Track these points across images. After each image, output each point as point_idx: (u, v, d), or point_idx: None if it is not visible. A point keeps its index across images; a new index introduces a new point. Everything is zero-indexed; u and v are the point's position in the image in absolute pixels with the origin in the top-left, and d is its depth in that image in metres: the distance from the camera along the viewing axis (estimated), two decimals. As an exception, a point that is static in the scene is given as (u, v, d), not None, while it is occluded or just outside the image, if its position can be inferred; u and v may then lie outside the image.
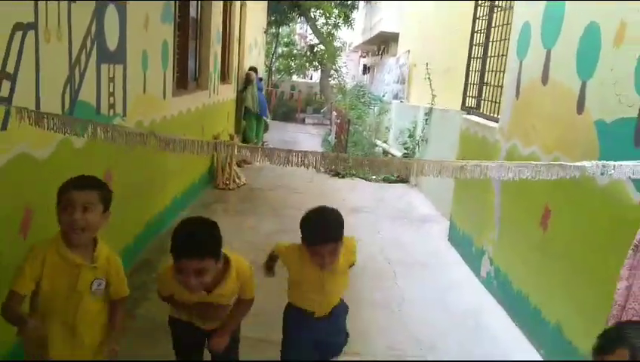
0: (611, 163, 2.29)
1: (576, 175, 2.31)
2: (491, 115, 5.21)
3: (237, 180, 7.73)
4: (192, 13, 6.49)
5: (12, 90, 2.48)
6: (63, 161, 3.04)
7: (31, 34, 2.62)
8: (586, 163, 2.33)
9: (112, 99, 3.75)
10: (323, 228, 2.47)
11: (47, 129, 2.05)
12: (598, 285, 2.84)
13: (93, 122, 2.10)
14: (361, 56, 26.50)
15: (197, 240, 2.21)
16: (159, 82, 4.89)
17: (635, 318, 1.87)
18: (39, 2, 2.68)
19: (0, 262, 2.46)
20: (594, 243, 3.00)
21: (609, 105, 2.94)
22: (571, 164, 2.33)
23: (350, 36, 25.27)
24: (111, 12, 3.63)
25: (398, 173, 1.98)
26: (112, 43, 3.69)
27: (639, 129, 2.67)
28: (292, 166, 2.22)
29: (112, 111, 3.76)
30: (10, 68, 2.46)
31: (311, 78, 27.26)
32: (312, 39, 22.03)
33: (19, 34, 2.51)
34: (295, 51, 23.30)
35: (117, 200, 3.83)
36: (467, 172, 2.22)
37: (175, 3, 5.38)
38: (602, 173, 2.31)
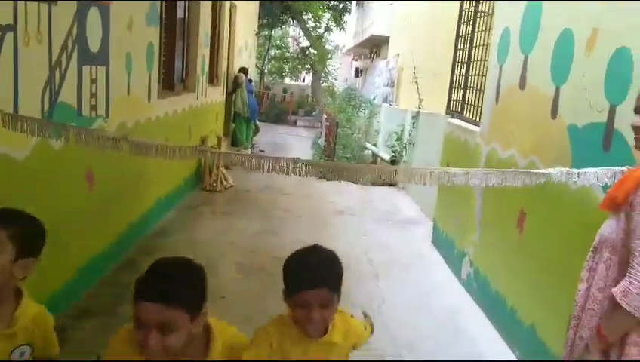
0: (575, 170, 2.37)
1: (542, 182, 2.38)
2: (474, 118, 5.28)
3: (224, 182, 7.75)
4: (180, 14, 6.52)
5: (-11, 91, 2.51)
6: (43, 161, 3.07)
7: (9, 36, 2.65)
8: (551, 170, 2.41)
9: (93, 100, 3.77)
10: (311, 269, 1.83)
11: (21, 132, 2.08)
12: (570, 286, 2.88)
13: (66, 126, 2.12)
14: (353, 59, 26.58)
15: (166, 279, 1.63)
16: (144, 84, 4.92)
17: (595, 319, 1.91)
18: (18, 4, 2.71)
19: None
20: (565, 244, 3.06)
21: (581, 111, 3.00)
22: (536, 171, 2.40)
23: (343, 39, 25.35)
24: (93, 14, 3.66)
25: (370, 180, 1.98)
26: (94, 45, 3.71)
27: (608, 134, 2.72)
28: (264, 172, 2.24)
29: (93, 112, 3.79)
30: (-13, 69, 2.49)
31: (303, 81, 27.31)
32: (304, 42, 22.10)
33: (-3, 36, 2.55)
34: (287, 54, 23.36)
35: (98, 201, 3.88)
36: (435, 179, 2.27)
37: (161, 4, 5.40)
38: (567, 180, 2.38)
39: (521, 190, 3.71)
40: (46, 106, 3.08)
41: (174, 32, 6.29)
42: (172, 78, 6.32)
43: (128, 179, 4.66)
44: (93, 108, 3.78)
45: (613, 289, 1.78)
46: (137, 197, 5.03)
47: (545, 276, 3.27)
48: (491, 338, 3.84)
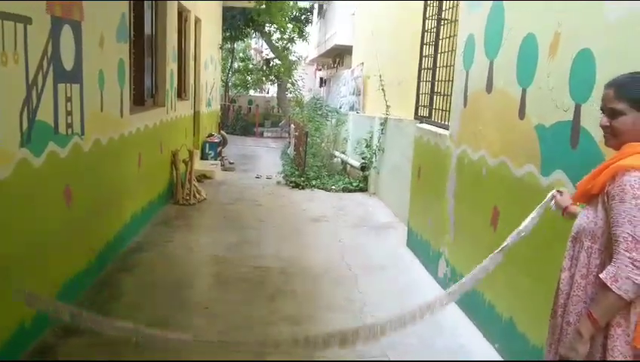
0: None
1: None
2: (442, 122, 5.44)
3: (197, 195, 7.74)
4: (147, 30, 6.53)
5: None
6: (24, 180, 3.06)
7: (-12, 56, 2.66)
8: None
9: (69, 118, 3.76)
10: None
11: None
12: (545, 278, 3.02)
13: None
14: (317, 69, 26.81)
15: None
16: (116, 100, 4.91)
17: (580, 304, 2.02)
18: (-5, 24, 2.71)
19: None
20: (539, 238, 3.18)
21: (547, 111, 3.16)
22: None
23: (306, 50, 25.54)
24: (66, 32, 3.66)
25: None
26: (68, 63, 3.71)
27: (575, 131, 2.88)
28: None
29: (70, 130, 3.78)
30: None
31: (268, 92, 27.37)
32: (268, 53, 22.19)
33: (-24, 56, 2.54)
34: (251, 66, 23.39)
35: (76, 217, 3.86)
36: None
37: (130, 20, 5.41)
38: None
39: (493, 189, 3.87)
40: (25, 125, 3.06)
41: (143, 47, 6.29)
42: (142, 93, 6.31)
43: (105, 195, 4.63)
44: (69, 125, 3.77)
45: (602, 276, 1.87)
46: (114, 213, 5.00)
47: (521, 270, 3.40)
48: (471, 333, 3.96)
